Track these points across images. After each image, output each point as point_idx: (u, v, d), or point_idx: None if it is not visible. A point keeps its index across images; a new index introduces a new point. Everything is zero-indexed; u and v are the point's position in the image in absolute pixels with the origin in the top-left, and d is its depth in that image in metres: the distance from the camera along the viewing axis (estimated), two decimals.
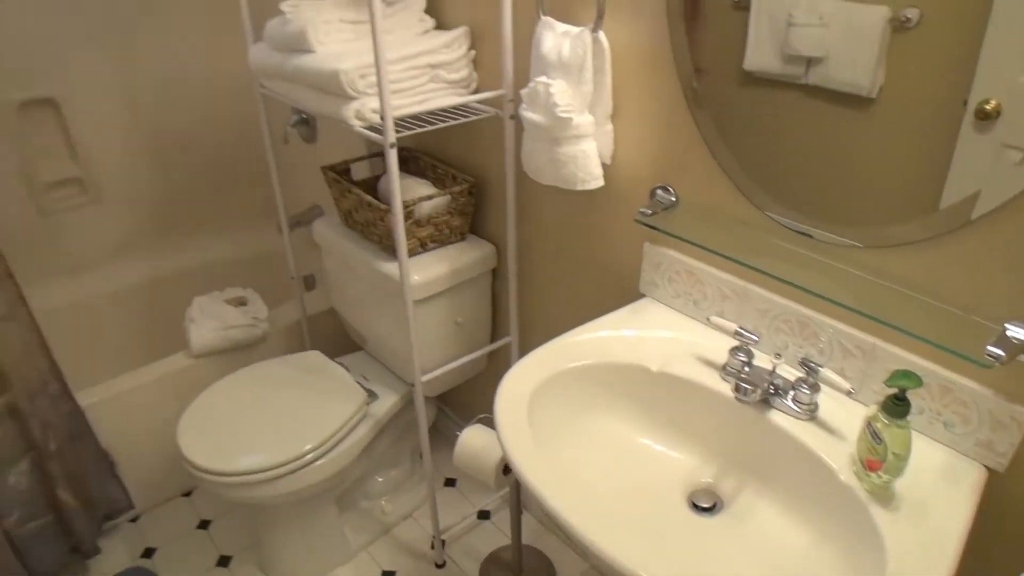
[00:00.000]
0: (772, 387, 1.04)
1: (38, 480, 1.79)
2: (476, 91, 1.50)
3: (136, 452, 2.01)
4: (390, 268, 1.54)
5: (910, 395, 0.87)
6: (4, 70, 2.12)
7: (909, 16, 0.82)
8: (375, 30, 1.15)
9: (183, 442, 1.62)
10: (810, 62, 0.94)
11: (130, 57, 2.32)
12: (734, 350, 1.09)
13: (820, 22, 0.91)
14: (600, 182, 1.24)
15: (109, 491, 1.98)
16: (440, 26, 1.54)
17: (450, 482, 2.12)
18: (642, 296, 1.32)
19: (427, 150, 1.77)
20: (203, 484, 1.60)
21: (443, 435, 2.24)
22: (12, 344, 1.66)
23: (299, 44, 1.38)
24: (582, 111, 1.19)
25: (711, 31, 1.05)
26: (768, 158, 1.05)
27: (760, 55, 0.99)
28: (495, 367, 1.88)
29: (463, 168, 1.68)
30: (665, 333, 1.22)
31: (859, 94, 0.90)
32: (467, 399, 2.11)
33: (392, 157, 1.26)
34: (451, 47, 1.42)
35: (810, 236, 1.02)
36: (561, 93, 1.16)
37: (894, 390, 0.85)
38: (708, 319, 1.15)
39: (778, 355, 1.07)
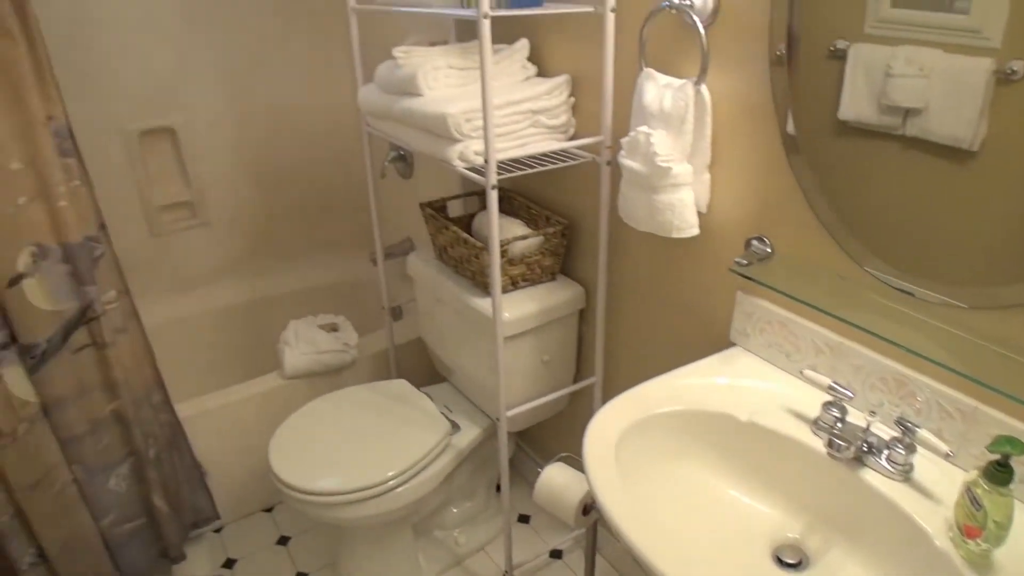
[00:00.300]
0: (866, 445, 1.02)
1: (135, 484, 1.89)
2: (574, 136, 1.55)
3: (225, 465, 2.10)
4: (482, 304, 1.58)
5: (1014, 462, 0.85)
6: (130, 101, 2.29)
7: (1015, 69, 0.81)
8: (484, 78, 1.21)
9: (274, 458, 1.69)
10: (908, 113, 0.93)
11: (243, 91, 2.47)
12: (827, 405, 1.08)
13: (920, 73, 0.90)
14: (695, 231, 1.26)
15: (198, 501, 2.07)
16: (541, 73, 1.60)
17: (523, 518, 2.13)
18: (732, 345, 1.33)
19: (521, 190, 1.82)
20: (288, 501, 1.67)
21: (519, 471, 2.26)
22: (124, 355, 1.77)
23: (409, 88, 1.46)
24: (681, 161, 1.21)
25: (808, 80, 1.06)
26: (866, 211, 1.04)
27: (856, 105, 0.99)
28: (576, 407, 1.89)
29: (556, 209, 1.72)
30: (755, 383, 1.21)
31: (960, 147, 0.89)
32: (546, 437, 2.13)
33: (493, 198, 1.31)
34: (552, 94, 1.47)
35: (911, 294, 1.02)
36: (661, 143, 1.19)
37: (997, 456, 0.83)
38: (801, 372, 1.15)
39: (873, 412, 1.06)
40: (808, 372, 1.12)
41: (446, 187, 2.15)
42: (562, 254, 1.65)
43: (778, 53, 1.09)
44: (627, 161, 1.26)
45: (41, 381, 1.66)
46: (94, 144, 2.23)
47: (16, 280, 1.57)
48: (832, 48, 1.01)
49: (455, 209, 1.86)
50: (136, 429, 1.81)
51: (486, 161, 1.28)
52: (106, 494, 1.84)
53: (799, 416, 1.13)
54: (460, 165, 1.36)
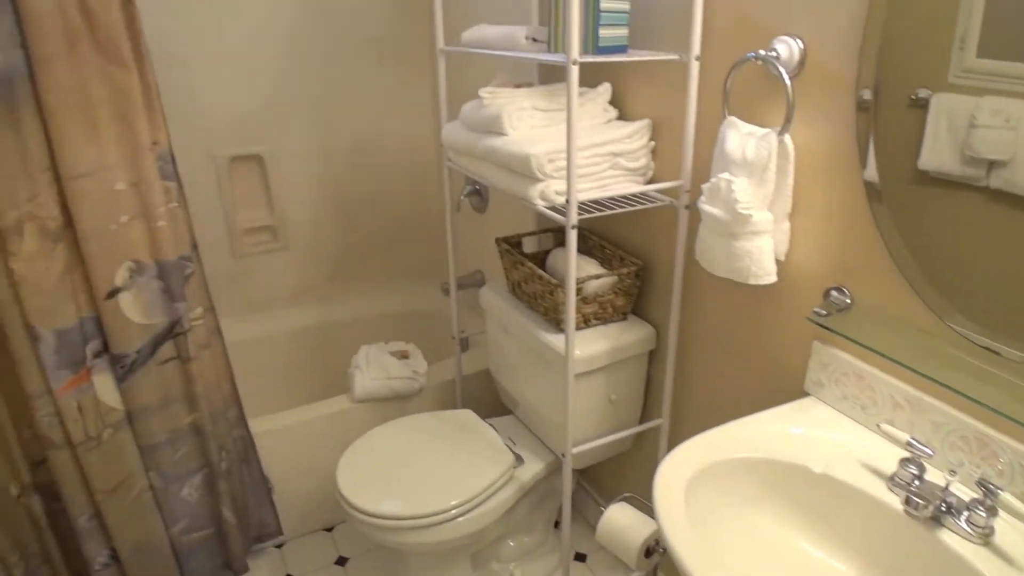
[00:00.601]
0: (944, 505, 1.00)
1: (206, 495, 1.95)
2: (652, 179, 1.57)
3: (290, 482, 2.15)
4: (553, 340, 1.61)
5: None
6: (224, 128, 2.41)
7: None
8: (571, 122, 1.25)
9: (341, 478, 1.73)
10: (992, 165, 0.92)
11: (329, 123, 2.57)
12: (904, 461, 1.06)
13: (1006, 125, 0.89)
14: (773, 278, 1.26)
15: (263, 515, 2.13)
16: (622, 116, 1.63)
17: (580, 557, 2.12)
18: (806, 395, 1.32)
19: (595, 229, 1.85)
20: (352, 521, 1.70)
21: (578, 509, 2.25)
22: (206, 370, 1.85)
23: (493, 127, 1.50)
24: (762, 209, 1.22)
25: (890, 129, 1.06)
26: (948, 264, 1.03)
27: (937, 155, 0.99)
28: (641, 448, 1.89)
29: (629, 250, 1.74)
30: (830, 435, 1.20)
31: None
32: (607, 476, 2.12)
33: (572, 238, 1.34)
34: (633, 137, 1.50)
35: (996, 353, 1.00)
36: (743, 191, 1.21)
37: None
38: (878, 426, 1.14)
39: (953, 472, 1.03)
40: (885, 426, 1.10)
41: (518, 222, 2.19)
42: (635, 294, 1.67)
43: (861, 101, 1.10)
44: (707, 207, 1.27)
45: (128, 390, 1.75)
46: (187, 167, 2.35)
47: (113, 293, 1.67)
48: (914, 97, 1.02)
49: (529, 245, 1.90)
50: (212, 442, 1.88)
51: (567, 202, 1.32)
52: (179, 502, 1.91)
53: (875, 471, 1.11)
54: (541, 204, 1.40)
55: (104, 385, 1.74)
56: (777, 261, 1.29)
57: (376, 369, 2.12)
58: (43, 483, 1.81)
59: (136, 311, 1.70)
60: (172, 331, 1.75)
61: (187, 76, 2.30)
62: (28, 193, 1.55)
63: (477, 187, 2.39)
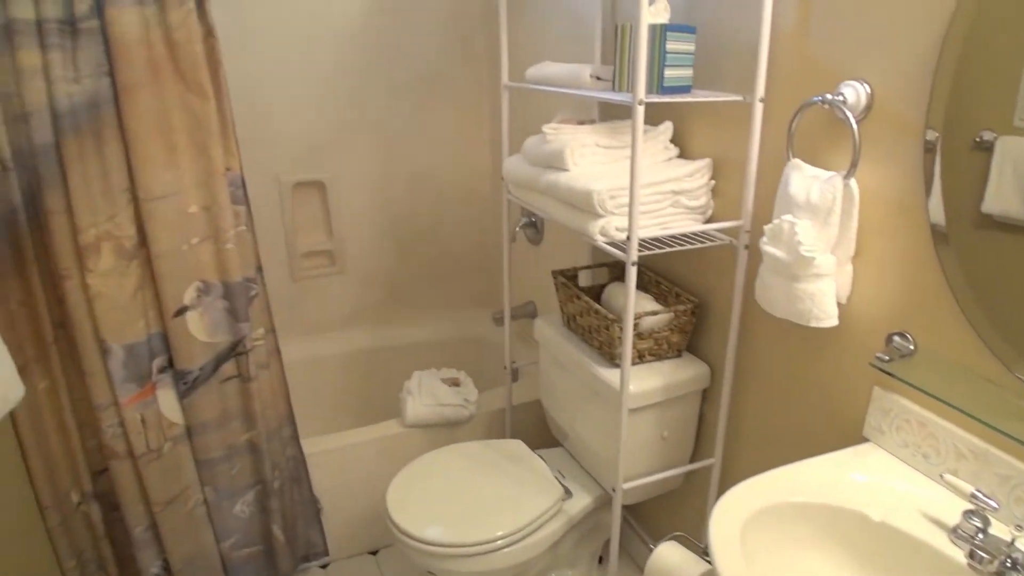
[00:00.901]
0: (1009, 560, 0.98)
1: (258, 512, 1.99)
2: (711, 218, 1.58)
3: (338, 504, 2.18)
4: (607, 375, 1.61)
5: None
6: (289, 155, 2.49)
7: None
8: (635, 161, 1.27)
9: (391, 502, 1.75)
10: None
11: (390, 152, 2.64)
12: (968, 513, 1.04)
13: None
14: (834, 321, 1.25)
15: (311, 535, 2.15)
16: (683, 154, 1.65)
17: None
18: (865, 441, 1.30)
19: (651, 265, 1.86)
20: (399, 545, 1.71)
21: (623, 545, 2.23)
22: (265, 389, 1.89)
23: (555, 162, 1.53)
24: (825, 251, 1.22)
25: (956, 171, 1.06)
26: (1017, 312, 1.01)
27: (1001, 199, 0.98)
28: (691, 486, 1.87)
29: (685, 286, 1.74)
30: (889, 483, 1.18)
31: None
32: (654, 513, 2.10)
33: (632, 275, 1.35)
34: (694, 176, 1.51)
35: None
36: (806, 233, 1.21)
37: None
38: (940, 476, 1.11)
39: (1019, 527, 1.01)
40: (948, 477, 1.08)
41: (572, 255, 2.21)
42: (690, 331, 1.67)
43: (927, 143, 1.10)
44: (769, 248, 1.28)
45: (189, 405, 1.80)
46: (252, 192, 2.43)
47: (181, 311, 1.72)
48: (978, 139, 1.01)
49: (584, 279, 1.91)
50: (266, 460, 1.92)
51: (628, 238, 1.33)
52: (231, 518, 1.94)
53: (936, 522, 1.09)
54: (601, 240, 1.41)
55: (167, 400, 1.79)
56: (839, 304, 1.28)
57: (427, 395, 2.14)
58: (103, 492, 1.87)
59: (201, 329, 1.75)
60: (234, 350, 1.80)
61: (258, 105, 2.39)
62: (107, 213, 1.62)
63: (533, 219, 2.42)
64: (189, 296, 1.72)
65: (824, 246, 1.22)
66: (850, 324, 1.31)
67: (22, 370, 1.63)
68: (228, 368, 1.82)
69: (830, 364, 1.38)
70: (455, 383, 2.23)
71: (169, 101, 1.62)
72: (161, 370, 1.78)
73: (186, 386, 1.78)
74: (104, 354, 1.69)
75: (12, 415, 1.69)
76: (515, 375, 2.28)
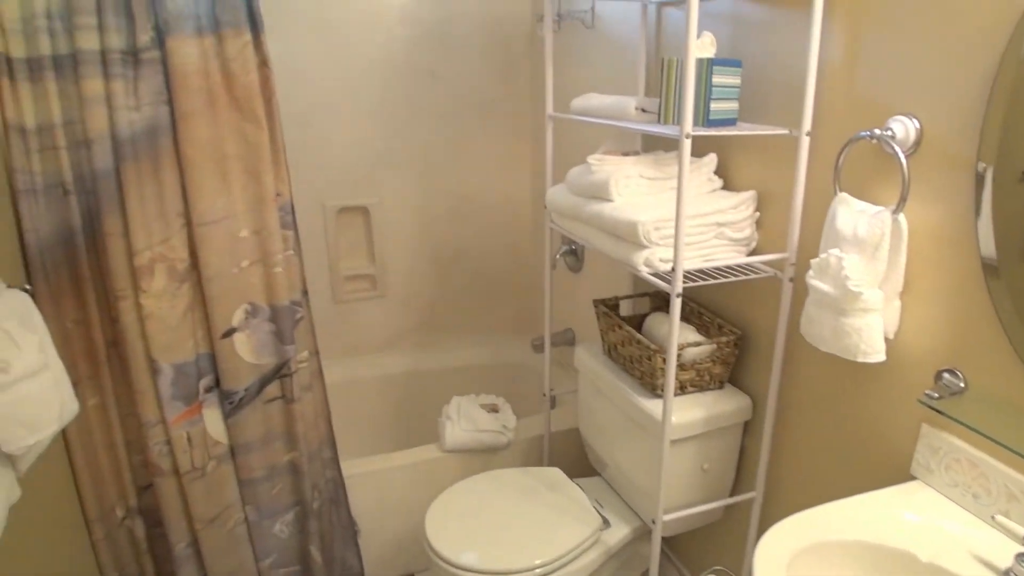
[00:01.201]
0: None
1: (297, 533, 2.01)
2: (755, 250, 1.57)
3: (375, 526, 2.19)
4: (648, 405, 1.61)
5: None
6: (334, 180, 2.55)
7: None
8: (681, 194, 1.28)
9: (429, 526, 1.76)
10: None
11: (432, 178, 2.69)
12: (1020, 556, 1.02)
13: None
14: (882, 357, 1.24)
15: (348, 557, 2.16)
16: (726, 186, 1.65)
17: None
18: (912, 479, 1.28)
19: (693, 296, 1.85)
20: (436, 571, 1.72)
21: None
22: (307, 411, 1.92)
23: (600, 193, 1.54)
24: (872, 286, 1.21)
25: (1006, 205, 1.05)
26: None
27: None
28: (731, 520, 1.85)
29: (727, 317, 1.74)
30: (937, 522, 1.16)
31: None
32: (693, 546, 2.08)
33: (676, 306, 1.36)
34: (739, 208, 1.52)
35: None
36: (853, 268, 1.20)
37: None
38: (992, 517, 1.09)
39: None
40: (1000, 518, 1.06)
41: (612, 283, 2.22)
42: (732, 363, 1.66)
43: (977, 175, 1.09)
44: (816, 282, 1.27)
45: (234, 425, 1.83)
46: (298, 216, 2.48)
47: (229, 333, 1.76)
48: None
49: (625, 308, 1.91)
50: (306, 480, 1.94)
51: (673, 270, 1.34)
52: (270, 538, 1.97)
53: (987, 564, 1.06)
54: (645, 271, 1.42)
55: (212, 419, 1.83)
56: (886, 339, 1.27)
57: (466, 421, 2.15)
58: (147, 507, 1.91)
59: (248, 351, 1.79)
60: (279, 372, 1.84)
61: (305, 131, 2.45)
62: (162, 236, 1.67)
63: (573, 247, 2.43)
64: (237, 318, 1.76)
65: (872, 281, 1.22)
66: (898, 359, 1.30)
67: (75, 387, 1.67)
68: (272, 389, 1.85)
69: (877, 400, 1.36)
70: (494, 409, 2.24)
71: (224, 129, 1.67)
72: (208, 389, 1.82)
73: (231, 406, 1.81)
74: (154, 373, 1.73)
75: (63, 430, 1.73)
76: (553, 402, 2.28)
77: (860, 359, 1.24)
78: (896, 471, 1.34)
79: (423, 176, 2.68)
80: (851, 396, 1.42)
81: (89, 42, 1.56)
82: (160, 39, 1.60)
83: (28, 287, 1.48)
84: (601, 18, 2.17)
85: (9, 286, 1.43)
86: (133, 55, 1.60)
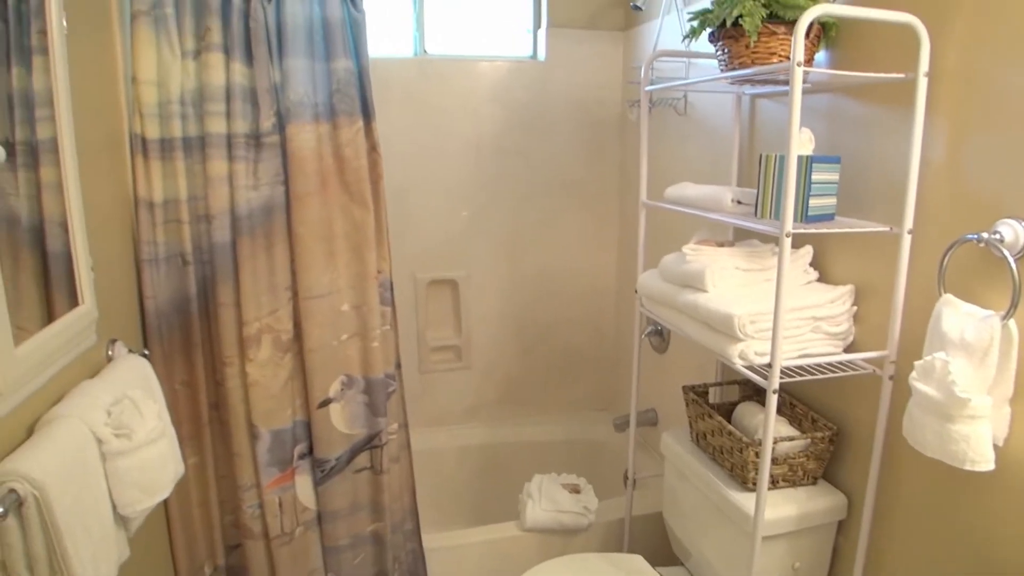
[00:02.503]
0: None
1: None
2: (852, 345, 1.55)
3: None
4: (739, 498, 1.58)
5: None
6: (426, 254, 2.65)
7: None
8: (779, 291, 1.29)
9: None
10: None
11: (519, 254, 2.76)
12: None
13: None
14: (991, 465, 1.19)
15: None
16: (822, 278, 1.64)
17: None
18: None
19: (786, 387, 1.82)
20: None
21: None
22: (394, 482, 1.96)
23: (694, 283, 1.56)
24: (981, 392, 1.18)
25: None
26: None
27: None
28: None
29: (821, 411, 1.70)
30: None
31: None
32: None
33: (772, 402, 1.35)
34: (836, 303, 1.50)
35: None
36: (960, 373, 1.17)
37: None
38: None
39: None
40: None
41: (698, 365, 2.20)
42: (827, 459, 1.62)
43: None
44: (920, 385, 1.24)
45: (323, 493, 1.88)
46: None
47: (325, 403, 1.83)
48: None
49: (714, 394, 1.90)
50: (388, 552, 1.97)
51: (770, 365, 1.33)
52: None
53: None
54: (740, 363, 1.42)
55: (304, 486, 1.88)
56: (995, 447, 1.23)
57: (547, 500, 2.15)
58: (233, 566, 1.96)
59: (342, 421, 1.85)
60: (370, 443, 1.89)
61: (400, 206, 2.56)
62: (270, 308, 1.76)
63: (659, 327, 2.44)
64: (334, 389, 1.83)
65: (979, 387, 1.18)
66: (1009, 469, 1.25)
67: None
68: (362, 459, 1.90)
69: (986, 510, 1.31)
70: (575, 490, 2.23)
71: (333, 209, 1.77)
72: (301, 456, 1.88)
73: (322, 474, 1.86)
74: (253, 438, 1.80)
75: None
76: (633, 484, 2.26)
77: (968, 467, 1.20)
78: None
79: (511, 252, 2.75)
80: (957, 504, 1.37)
81: (217, 126, 1.69)
82: (281, 124, 1.72)
83: (146, 352, 1.58)
84: (693, 106, 2.22)
85: (130, 350, 1.53)
86: (256, 139, 1.72)
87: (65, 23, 1.30)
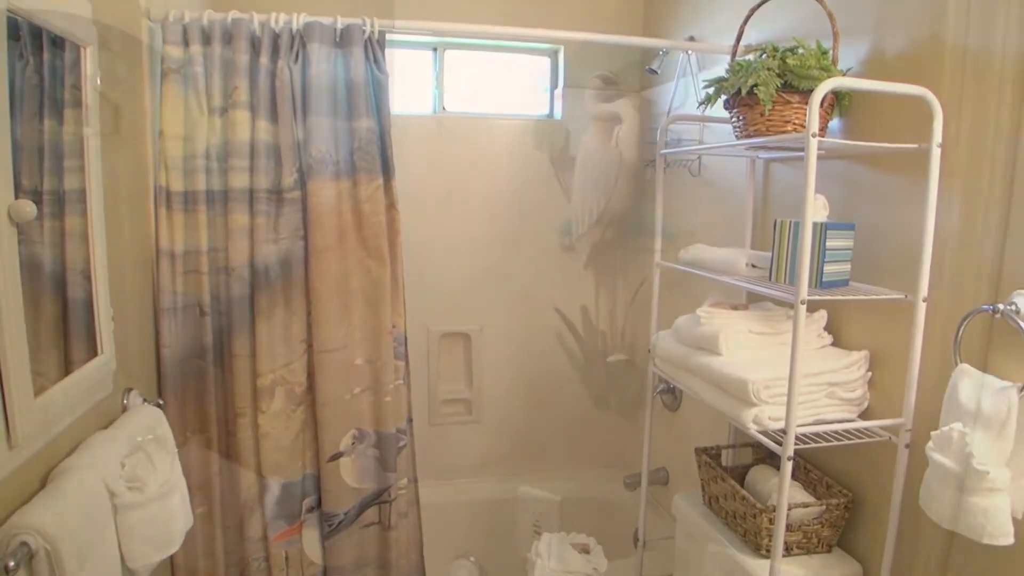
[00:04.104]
0: None
1: None
2: (867, 411, 1.54)
3: None
4: (752, 565, 1.55)
5: None
6: (440, 308, 2.66)
7: None
8: (794, 359, 1.29)
9: None
10: None
11: (530, 309, 2.76)
12: None
13: None
14: (1010, 540, 1.17)
15: None
16: (836, 342, 1.64)
17: None
18: None
19: (800, 451, 1.80)
20: None
21: None
22: (402, 538, 1.93)
23: (708, 346, 1.56)
24: (999, 464, 1.17)
25: None
26: None
27: None
28: None
29: (836, 477, 1.68)
30: None
31: None
32: None
33: (787, 469, 1.33)
34: (851, 368, 1.50)
35: None
36: (978, 445, 1.16)
37: None
38: None
39: None
40: None
41: (710, 425, 2.19)
42: (841, 527, 1.59)
43: None
44: (937, 456, 1.23)
45: (330, 547, 1.86)
46: None
47: (335, 457, 1.82)
48: None
49: (727, 457, 1.88)
50: None
51: (785, 431, 1.32)
52: None
53: None
54: (754, 429, 1.41)
55: (311, 540, 1.87)
56: (1015, 520, 1.21)
57: (556, 561, 2.12)
58: None
59: (351, 475, 1.84)
60: (378, 498, 1.87)
61: (415, 260, 2.57)
62: (284, 360, 1.77)
63: (671, 386, 2.43)
64: (345, 442, 1.83)
65: (997, 458, 1.17)
66: None
67: None
68: (370, 514, 1.88)
69: None
70: (585, 550, 2.19)
71: (351, 263, 1.79)
72: (309, 510, 1.86)
73: (330, 528, 1.85)
74: (262, 490, 1.79)
75: None
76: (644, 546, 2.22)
77: (986, 541, 1.18)
78: None
79: (522, 307, 2.76)
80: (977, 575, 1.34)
81: (240, 181, 1.73)
82: (302, 180, 1.76)
83: (161, 401, 1.59)
84: (707, 167, 2.25)
85: (145, 400, 1.54)
86: (277, 194, 1.75)
87: (99, 80, 1.34)
